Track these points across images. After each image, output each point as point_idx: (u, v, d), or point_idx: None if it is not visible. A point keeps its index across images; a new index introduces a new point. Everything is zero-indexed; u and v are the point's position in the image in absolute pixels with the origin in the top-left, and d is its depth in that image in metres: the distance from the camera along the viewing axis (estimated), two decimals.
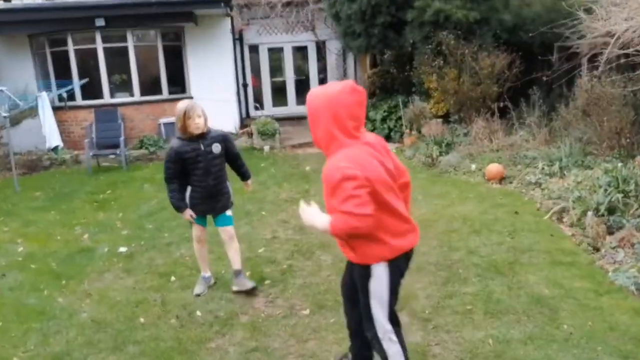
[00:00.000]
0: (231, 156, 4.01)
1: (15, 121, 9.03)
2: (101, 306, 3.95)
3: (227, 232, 4.00)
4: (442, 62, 9.10)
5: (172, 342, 3.38)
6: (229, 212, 4.03)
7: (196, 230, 4.04)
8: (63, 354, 3.33)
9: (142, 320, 3.69)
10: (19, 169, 8.47)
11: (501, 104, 8.57)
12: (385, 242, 2.33)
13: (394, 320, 2.50)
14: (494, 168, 6.81)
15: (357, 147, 2.28)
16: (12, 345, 3.47)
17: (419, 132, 9.62)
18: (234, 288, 4.02)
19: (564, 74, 8.18)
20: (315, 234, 5.21)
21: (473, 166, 7.33)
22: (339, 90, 2.28)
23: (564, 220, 5.02)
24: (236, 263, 4.03)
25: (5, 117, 7.94)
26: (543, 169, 6.40)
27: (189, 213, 3.87)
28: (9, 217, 6.57)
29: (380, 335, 2.44)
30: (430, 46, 9.15)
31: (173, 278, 4.36)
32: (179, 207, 3.85)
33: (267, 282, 4.20)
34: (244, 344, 3.30)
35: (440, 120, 9.51)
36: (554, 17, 7.86)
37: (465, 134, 8.66)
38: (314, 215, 2.37)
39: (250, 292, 3.95)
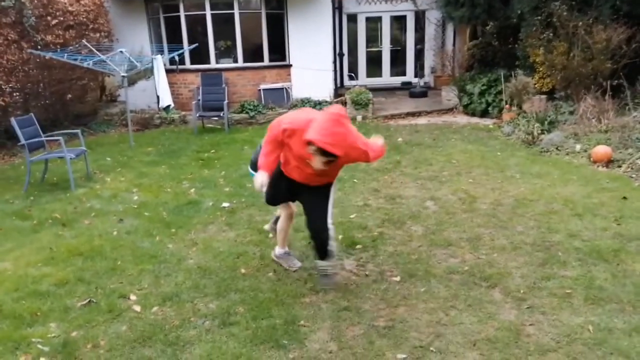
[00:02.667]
0: None
1: (131, 81, 9.78)
2: (206, 255, 4.29)
3: None
4: (551, 34, 8.55)
5: (269, 293, 3.61)
6: None
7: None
8: (173, 294, 3.67)
9: (242, 271, 3.97)
10: (133, 125, 9.21)
11: (614, 82, 7.92)
12: None
13: None
14: (601, 150, 6.39)
15: None
16: (129, 283, 3.88)
17: (520, 108, 9.19)
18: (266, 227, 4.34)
19: None
20: (406, 205, 5.25)
21: (578, 147, 6.92)
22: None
23: None
24: None
25: (124, 76, 8.61)
26: None
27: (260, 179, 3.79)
28: (125, 168, 7.22)
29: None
30: (539, 17, 8.62)
31: (271, 235, 4.61)
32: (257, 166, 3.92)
33: (358, 246, 4.32)
34: (336, 302, 3.46)
35: (544, 96, 9.01)
36: None
37: (571, 113, 8.15)
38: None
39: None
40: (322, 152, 2.97)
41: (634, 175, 5.77)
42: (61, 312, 3.47)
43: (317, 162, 3.12)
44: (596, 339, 2.91)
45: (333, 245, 3.67)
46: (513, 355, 2.80)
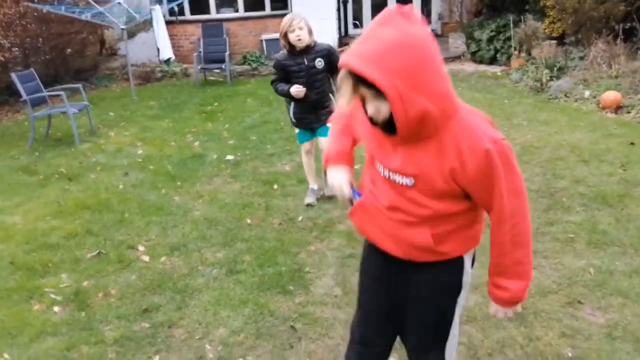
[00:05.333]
0: (335, 70, 3.91)
1: (131, 33, 9.60)
2: (212, 206, 4.33)
3: (324, 142, 4.00)
4: None
5: (275, 242, 3.66)
6: (329, 124, 4.07)
7: (303, 146, 4.18)
8: (180, 244, 3.73)
9: (248, 221, 4.01)
10: (134, 79, 9.11)
11: (627, 25, 7.67)
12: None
13: None
14: (610, 95, 6.27)
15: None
16: (137, 234, 3.94)
17: (529, 54, 8.97)
18: (327, 192, 4.18)
19: None
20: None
21: (587, 93, 6.79)
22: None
23: None
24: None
25: (123, 29, 8.45)
26: None
27: (295, 88, 3.80)
28: (129, 122, 7.20)
29: None
30: None
31: (275, 186, 4.63)
32: (286, 93, 3.85)
33: None
34: (341, 250, 3.50)
35: (554, 42, 8.77)
36: None
37: (582, 58, 7.95)
38: None
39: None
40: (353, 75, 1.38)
41: None
42: (72, 263, 3.55)
43: (369, 107, 1.44)
44: (596, 281, 2.95)
45: None
46: None
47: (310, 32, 3.74)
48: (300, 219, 3.99)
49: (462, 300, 1.72)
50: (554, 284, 2.96)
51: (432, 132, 1.43)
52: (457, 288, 1.69)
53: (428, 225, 1.55)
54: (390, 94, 1.32)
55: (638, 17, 7.60)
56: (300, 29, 3.67)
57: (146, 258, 3.56)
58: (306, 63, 3.81)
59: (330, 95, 4.02)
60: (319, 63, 3.82)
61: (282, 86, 3.88)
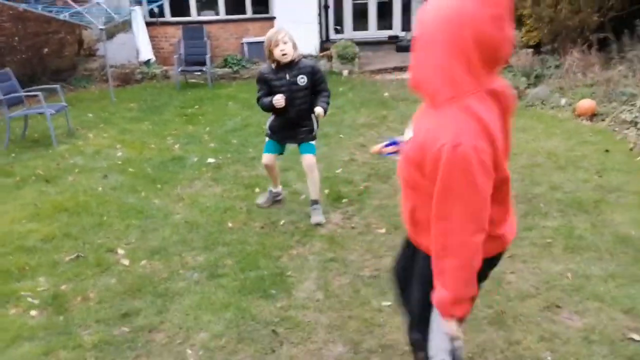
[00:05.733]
0: (318, 90, 3.83)
1: (110, 34, 9.48)
2: (193, 210, 4.30)
3: (306, 160, 3.94)
4: None
5: (257, 246, 3.65)
6: (311, 142, 3.98)
7: (264, 156, 4.05)
8: (160, 248, 3.70)
9: (229, 225, 3.99)
10: (113, 81, 8.99)
11: (601, 35, 7.89)
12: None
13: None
14: (585, 103, 6.43)
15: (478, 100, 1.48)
16: (116, 237, 3.89)
17: (506, 62, 9.14)
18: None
19: None
20: (392, 159, 5.27)
21: (563, 100, 6.95)
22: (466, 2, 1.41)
23: None
24: (312, 193, 4.02)
25: (101, 29, 8.34)
26: None
27: (275, 98, 3.68)
28: (108, 125, 7.10)
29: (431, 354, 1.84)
30: None
31: (257, 189, 4.62)
32: (268, 104, 3.76)
33: (344, 200, 4.35)
34: (323, 254, 3.52)
35: (530, 50, 8.94)
36: None
37: (557, 67, 8.11)
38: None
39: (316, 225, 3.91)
40: None
41: (617, 129, 5.83)
42: (49, 267, 3.48)
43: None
44: (574, 285, 3.02)
45: None
46: (494, 301, 2.89)
47: (294, 46, 3.67)
48: (282, 222, 3.99)
49: None
50: (533, 288, 3.02)
51: None
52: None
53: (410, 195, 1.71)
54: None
55: (611, 28, 7.82)
56: (285, 42, 3.61)
57: (126, 262, 3.52)
58: (287, 78, 3.72)
59: (312, 115, 3.89)
60: (302, 80, 3.73)
61: (265, 100, 3.81)
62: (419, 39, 1.53)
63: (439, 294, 1.58)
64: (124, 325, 2.84)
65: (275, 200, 4.34)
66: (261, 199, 4.33)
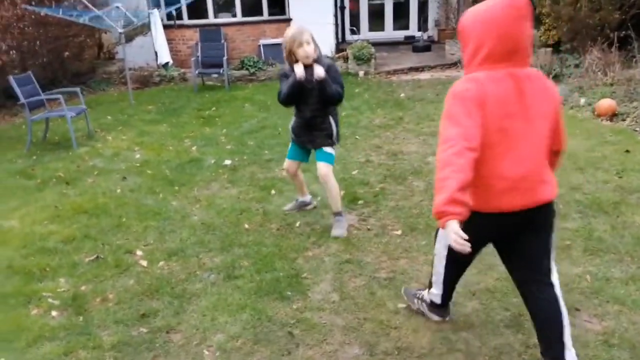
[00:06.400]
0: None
1: (129, 37, 9.61)
2: (210, 211, 4.33)
3: (320, 169, 3.73)
4: None
5: (273, 247, 3.67)
6: (328, 149, 3.75)
7: (285, 162, 3.97)
8: (178, 249, 3.73)
9: (246, 226, 4.02)
10: (132, 83, 9.11)
11: (622, 33, 7.75)
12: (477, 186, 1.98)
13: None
14: (605, 103, 6.33)
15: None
16: (134, 239, 3.95)
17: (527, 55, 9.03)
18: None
19: None
20: (408, 160, 5.26)
21: (582, 100, 6.85)
22: (491, 6, 1.98)
23: None
24: (332, 205, 3.84)
25: (120, 32, 8.46)
26: None
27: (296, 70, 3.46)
28: (126, 127, 7.21)
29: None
30: None
31: (273, 191, 4.65)
32: (290, 84, 3.54)
33: (360, 202, 4.35)
34: (339, 256, 3.52)
35: (549, 49, 8.83)
36: None
37: (577, 65, 8.02)
38: None
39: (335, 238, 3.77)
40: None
41: (638, 129, 5.73)
42: (69, 268, 3.54)
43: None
44: (593, 288, 2.97)
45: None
46: (511, 304, 2.86)
47: (316, 46, 3.51)
48: (298, 224, 4.00)
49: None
50: None
51: None
52: None
53: None
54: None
55: (632, 25, 7.68)
56: (308, 43, 3.45)
57: (144, 263, 3.56)
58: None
59: (330, 117, 3.71)
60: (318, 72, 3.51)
61: (285, 83, 3.57)
62: (461, 33, 2.10)
63: (436, 200, 1.88)
64: (142, 326, 2.88)
65: (302, 208, 4.24)
66: (288, 206, 4.27)
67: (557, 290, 2.27)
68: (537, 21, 9.02)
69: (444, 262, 2.50)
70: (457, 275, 2.60)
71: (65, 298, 3.18)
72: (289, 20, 11.08)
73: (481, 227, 2.10)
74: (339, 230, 3.81)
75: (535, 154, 2.08)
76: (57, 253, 3.75)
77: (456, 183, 1.83)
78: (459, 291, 3.01)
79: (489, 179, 2.02)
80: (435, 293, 2.66)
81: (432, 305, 2.74)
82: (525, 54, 2.02)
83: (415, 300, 2.85)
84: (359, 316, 2.87)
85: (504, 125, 1.99)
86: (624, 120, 6.07)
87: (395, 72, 10.40)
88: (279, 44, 10.84)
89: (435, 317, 2.77)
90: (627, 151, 5.06)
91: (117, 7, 8.51)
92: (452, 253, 2.19)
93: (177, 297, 3.13)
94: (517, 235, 2.22)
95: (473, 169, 1.87)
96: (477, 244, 2.08)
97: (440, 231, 2.43)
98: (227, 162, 5.49)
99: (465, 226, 1.85)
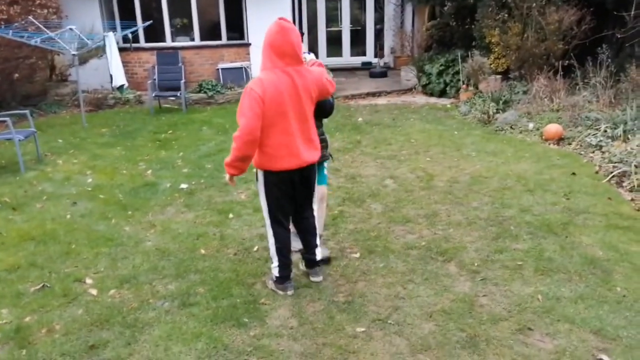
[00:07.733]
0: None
1: (82, 60, 9.40)
2: (164, 237, 4.23)
3: (318, 191, 3.56)
4: (506, 15, 8.74)
5: (230, 273, 3.60)
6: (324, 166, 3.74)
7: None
8: (130, 277, 3.61)
9: (202, 251, 3.94)
10: (85, 106, 8.88)
11: (566, 62, 8.19)
12: (266, 154, 3.02)
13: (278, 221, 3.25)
14: (552, 128, 6.63)
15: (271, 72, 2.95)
16: (84, 267, 3.79)
17: (476, 88, 9.38)
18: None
19: (637, 33, 7.68)
20: (366, 183, 5.31)
21: (531, 125, 7.14)
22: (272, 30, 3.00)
23: (624, 184, 4.89)
24: (319, 227, 3.66)
25: (74, 55, 8.27)
26: (605, 131, 6.18)
27: None
28: (78, 150, 6.98)
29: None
30: None
31: (231, 215, 4.58)
32: None
33: None
34: (296, 280, 3.47)
35: (499, 76, 9.23)
36: None
37: (525, 92, 8.38)
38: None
39: (325, 262, 3.66)
40: None
41: (582, 152, 6.01)
42: (13, 298, 3.36)
43: None
44: (545, 307, 3.05)
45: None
46: (467, 324, 2.90)
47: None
48: (255, 249, 3.95)
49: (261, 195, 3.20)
50: (505, 311, 3.04)
51: None
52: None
53: None
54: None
55: (575, 55, 8.13)
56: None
57: (94, 291, 3.42)
58: None
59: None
60: None
61: None
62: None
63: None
64: (91, 357, 2.75)
65: None
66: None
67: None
68: (487, 50, 9.41)
69: (270, 228, 3.25)
70: (283, 237, 3.25)
71: (7, 330, 3.01)
72: (247, 44, 11.15)
73: (276, 182, 3.11)
74: (326, 251, 3.76)
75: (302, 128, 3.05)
76: (0, 282, 3.56)
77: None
78: (415, 313, 3.03)
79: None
80: (274, 266, 3.29)
81: (275, 281, 3.31)
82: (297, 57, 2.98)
83: (269, 282, 3.38)
84: (317, 341, 2.83)
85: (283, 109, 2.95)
86: (569, 144, 6.36)
87: (353, 96, 10.58)
88: (238, 68, 10.93)
89: (280, 292, 3.28)
90: (574, 174, 5.29)
91: (71, 29, 8.32)
92: (271, 212, 3.20)
93: (128, 326, 3.01)
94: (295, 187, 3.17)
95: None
96: (280, 198, 3.15)
97: (262, 201, 3.22)
98: (184, 185, 5.39)
99: (268, 185, 3.10)
